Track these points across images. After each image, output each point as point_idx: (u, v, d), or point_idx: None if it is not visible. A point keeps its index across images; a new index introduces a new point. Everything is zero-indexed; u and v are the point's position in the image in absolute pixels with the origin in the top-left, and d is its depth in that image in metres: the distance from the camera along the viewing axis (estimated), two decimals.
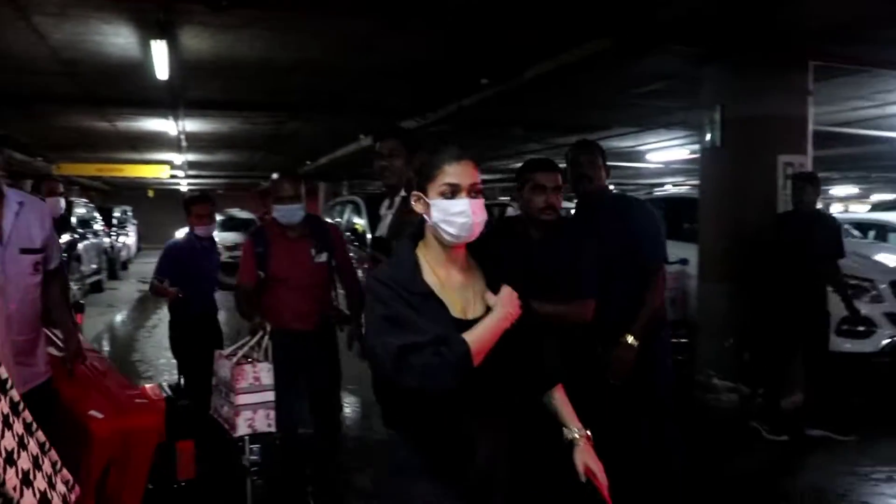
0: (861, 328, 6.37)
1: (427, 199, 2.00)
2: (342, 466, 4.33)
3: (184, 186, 27.42)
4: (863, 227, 9.56)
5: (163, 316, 11.42)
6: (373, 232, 3.89)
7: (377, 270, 2.04)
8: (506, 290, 2.01)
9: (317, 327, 3.96)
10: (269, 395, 3.62)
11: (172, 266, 5.04)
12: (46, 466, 1.60)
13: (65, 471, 1.70)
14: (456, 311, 1.99)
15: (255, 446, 3.72)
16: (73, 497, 1.69)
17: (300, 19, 6.03)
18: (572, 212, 4.10)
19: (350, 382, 4.25)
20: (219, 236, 6.99)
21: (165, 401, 3.58)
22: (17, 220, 2.76)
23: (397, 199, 3.57)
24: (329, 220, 9.33)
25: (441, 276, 2.02)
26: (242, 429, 3.56)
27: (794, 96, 6.32)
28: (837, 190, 27.26)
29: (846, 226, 8.07)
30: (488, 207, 2.15)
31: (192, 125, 12.17)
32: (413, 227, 2.11)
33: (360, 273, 4.51)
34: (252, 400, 3.58)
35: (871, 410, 6.06)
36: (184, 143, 14.32)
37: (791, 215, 5.64)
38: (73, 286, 10.27)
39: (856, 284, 5.83)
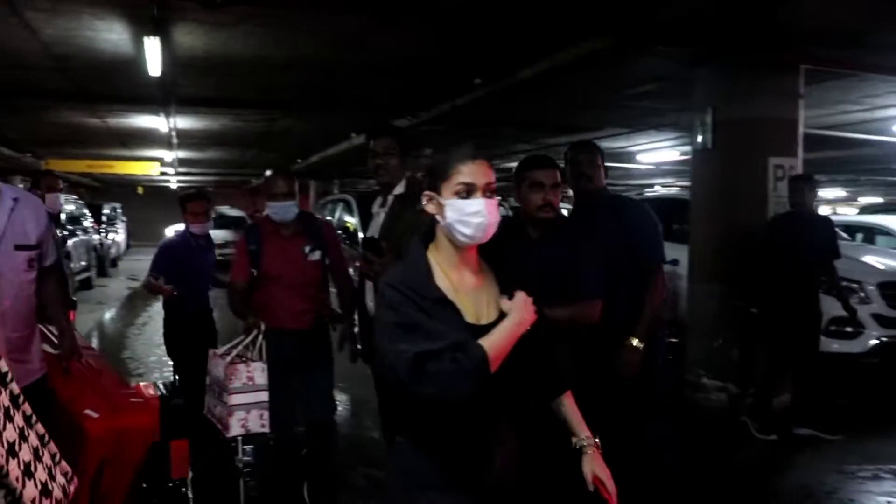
0: (849, 329, 6.44)
1: (440, 200, 1.94)
2: (335, 465, 4.33)
3: (174, 184, 27.35)
4: (851, 229, 9.64)
5: (153, 313, 11.44)
6: (364, 230, 3.88)
7: (388, 275, 1.99)
8: (521, 296, 1.96)
9: (311, 326, 3.93)
10: (263, 395, 3.57)
11: (168, 263, 5.01)
12: (46, 458, 1.62)
13: (63, 462, 1.72)
14: (469, 317, 1.94)
15: (249, 447, 3.68)
16: (71, 488, 1.71)
17: (293, 16, 6.03)
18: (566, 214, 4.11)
19: (340, 380, 4.24)
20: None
21: (159, 399, 3.56)
22: (12, 216, 2.75)
23: (390, 198, 3.57)
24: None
25: (454, 280, 1.97)
26: (235, 429, 3.52)
27: (786, 99, 6.38)
28: (825, 193, 27.43)
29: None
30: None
31: (183, 122, 12.14)
32: (424, 229, 2.05)
33: (350, 271, 4.50)
34: (245, 400, 3.54)
35: (858, 410, 6.12)
36: (174, 140, 14.27)
37: (787, 217, 5.67)
38: None
39: (844, 286, 5.88)
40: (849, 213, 19.23)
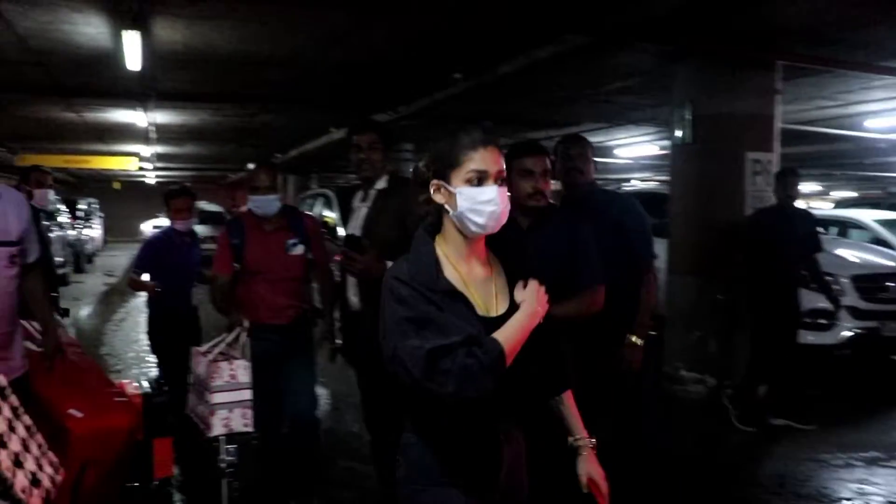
0: (823, 321, 6.55)
1: (450, 188, 1.86)
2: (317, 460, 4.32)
3: (151, 179, 27.10)
4: (825, 223, 9.77)
5: (130, 309, 11.36)
6: (345, 225, 3.87)
7: (395, 269, 1.89)
8: (533, 285, 1.91)
9: (293, 321, 3.90)
10: (246, 394, 3.53)
11: (151, 260, 4.97)
12: (34, 449, 1.64)
13: (50, 453, 1.73)
14: (479, 309, 1.88)
15: (232, 447, 3.61)
16: (59, 478, 1.72)
17: (273, 11, 6.01)
18: None
19: (320, 375, 4.23)
20: None
21: (143, 397, 3.53)
22: None
23: (372, 193, 3.58)
24: None
25: (462, 272, 1.90)
26: (218, 428, 3.47)
27: (763, 95, 6.48)
28: (800, 187, 27.70)
29: None
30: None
31: (161, 117, 12.03)
32: (431, 219, 1.96)
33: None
34: (228, 398, 3.49)
35: (831, 400, 6.23)
36: (153, 135, 14.16)
37: (771, 211, 5.73)
38: None
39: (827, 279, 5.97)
40: (823, 208, 19.46)
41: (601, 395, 2.70)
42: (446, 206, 1.88)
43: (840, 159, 17.05)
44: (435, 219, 1.95)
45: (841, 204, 16.35)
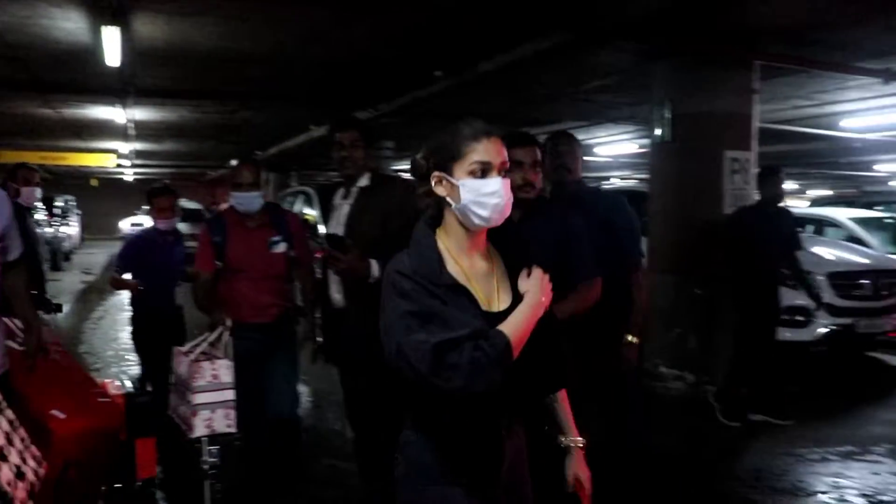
0: (800, 318, 6.65)
1: (453, 180, 1.82)
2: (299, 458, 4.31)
3: (130, 176, 26.88)
4: (801, 221, 9.90)
5: (108, 307, 11.26)
6: (325, 223, 3.85)
7: (396, 262, 1.85)
8: (537, 273, 1.88)
9: (275, 320, 3.86)
10: (229, 394, 3.46)
11: (133, 259, 4.93)
12: (17, 443, 1.64)
13: (33, 447, 1.73)
14: (482, 304, 1.85)
15: (215, 448, 3.54)
16: (42, 472, 1.72)
17: (255, 8, 5.99)
18: None
19: (301, 372, 4.22)
20: None
21: (126, 397, 3.48)
22: None
23: (354, 190, 3.57)
24: None
25: (464, 266, 1.86)
26: (200, 429, 3.40)
27: (741, 94, 6.56)
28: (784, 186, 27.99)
29: None
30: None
31: (140, 113, 11.94)
32: (431, 212, 1.93)
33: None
34: (210, 399, 3.42)
35: (808, 396, 6.32)
36: (131, 132, 14.04)
37: (753, 209, 5.76)
38: None
39: (806, 276, 6.05)
40: (800, 206, 19.71)
41: (594, 396, 2.70)
42: (448, 199, 1.84)
43: (816, 158, 17.26)
44: (435, 211, 1.91)
45: (817, 202, 16.54)
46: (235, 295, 3.79)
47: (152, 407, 3.61)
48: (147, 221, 5.04)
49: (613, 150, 16.35)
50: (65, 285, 14.38)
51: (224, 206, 5.26)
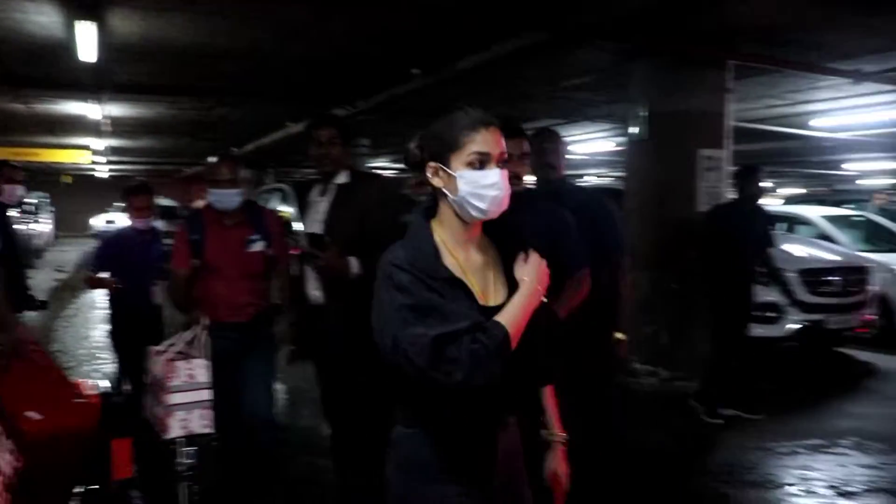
0: (771, 314, 6.76)
1: (450, 171, 1.78)
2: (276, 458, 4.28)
3: (104, 173, 26.58)
4: (774, 219, 10.05)
5: (81, 305, 11.16)
6: (302, 220, 3.84)
7: (390, 254, 1.81)
8: (535, 258, 1.85)
9: (252, 319, 3.79)
10: (205, 394, 3.40)
11: (109, 259, 4.86)
12: None
13: (3, 438, 1.72)
14: (479, 298, 1.81)
15: (191, 449, 3.48)
16: (18, 465, 1.71)
17: (232, 3, 5.97)
18: None
19: (278, 370, 4.20)
20: None
21: (102, 397, 3.44)
22: None
23: (332, 187, 3.58)
24: None
25: (460, 259, 1.82)
26: (176, 430, 3.35)
27: (715, 93, 6.64)
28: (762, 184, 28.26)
29: None
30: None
31: (115, 109, 11.82)
32: (426, 203, 1.89)
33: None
34: (186, 399, 3.37)
35: (778, 391, 6.43)
36: (106, 128, 13.89)
37: (729, 207, 5.82)
38: None
39: (779, 273, 6.14)
40: (772, 204, 20.00)
41: (579, 393, 2.71)
42: (445, 190, 1.80)
43: (788, 157, 17.46)
44: (431, 203, 1.87)
45: (790, 200, 16.78)
46: (212, 294, 3.72)
47: (128, 407, 3.56)
48: (121, 219, 4.97)
49: (590, 148, 16.45)
50: (37, 283, 14.12)
51: (200, 203, 5.20)
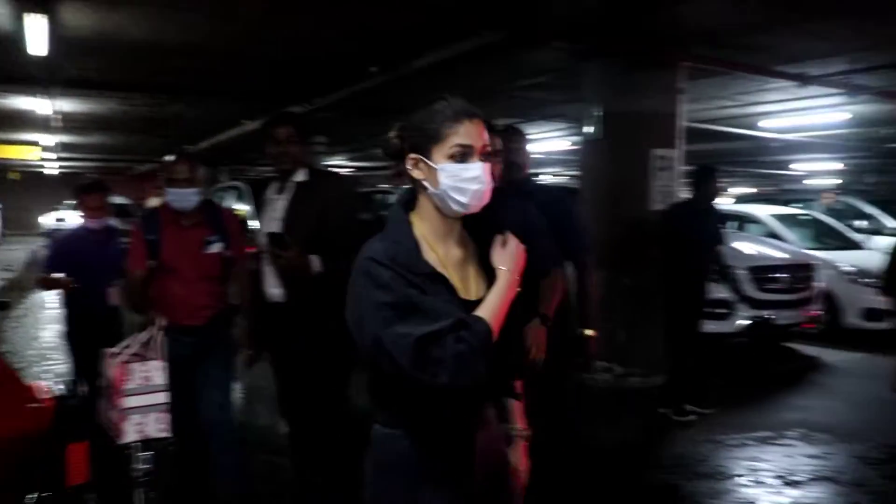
0: (722, 310, 6.92)
1: (431, 163, 1.74)
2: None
3: (54, 170, 25.99)
4: (724, 217, 10.27)
5: (30, 306, 10.91)
6: (258, 218, 3.81)
7: (369, 248, 1.75)
8: (512, 243, 1.81)
9: (209, 322, 3.72)
10: (162, 397, 3.32)
11: (62, 259, 4.74)
12: None
13: None
14: (459, 292, 1.77)
15: (147, 454, 3.40)
16: None
17: None
18: None
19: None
20: None
21: (56, 400, 3.38)
22: None
23: (290, 185, 3.57)
24: None
25: (440, 254, 1.78)
26: (131, 434, 3.26)
27: (667, 94, 6.77)
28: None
29: None
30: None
31: (66, 104, 11.57)
32: (408, 195, 1.85)
33: None
34: (142, 402, 3.29)
35: (728, 385, 6.58)
36: (57, 124, 13.58)
37: (684, 206, 5.89)
38: None
39: (728, 271, 6.28)
40: (724, 203, 20.46)
41: (541, 389, 2.73)
42: (425, 183, 1.76)
43: (738, 157, 17.86)
44: (410, 196, 1.83)
45: (741, 199, 17.15)
46: (169, 296, 3.65)
47: (84, 410, 3.42)
48: (72, 217, 4.84)
49: (545, 147, 16.61)
50: None
51: (154, 201, 5.12)
